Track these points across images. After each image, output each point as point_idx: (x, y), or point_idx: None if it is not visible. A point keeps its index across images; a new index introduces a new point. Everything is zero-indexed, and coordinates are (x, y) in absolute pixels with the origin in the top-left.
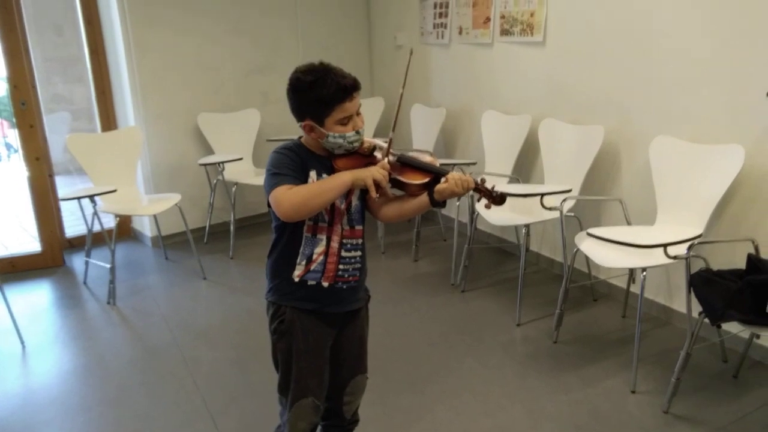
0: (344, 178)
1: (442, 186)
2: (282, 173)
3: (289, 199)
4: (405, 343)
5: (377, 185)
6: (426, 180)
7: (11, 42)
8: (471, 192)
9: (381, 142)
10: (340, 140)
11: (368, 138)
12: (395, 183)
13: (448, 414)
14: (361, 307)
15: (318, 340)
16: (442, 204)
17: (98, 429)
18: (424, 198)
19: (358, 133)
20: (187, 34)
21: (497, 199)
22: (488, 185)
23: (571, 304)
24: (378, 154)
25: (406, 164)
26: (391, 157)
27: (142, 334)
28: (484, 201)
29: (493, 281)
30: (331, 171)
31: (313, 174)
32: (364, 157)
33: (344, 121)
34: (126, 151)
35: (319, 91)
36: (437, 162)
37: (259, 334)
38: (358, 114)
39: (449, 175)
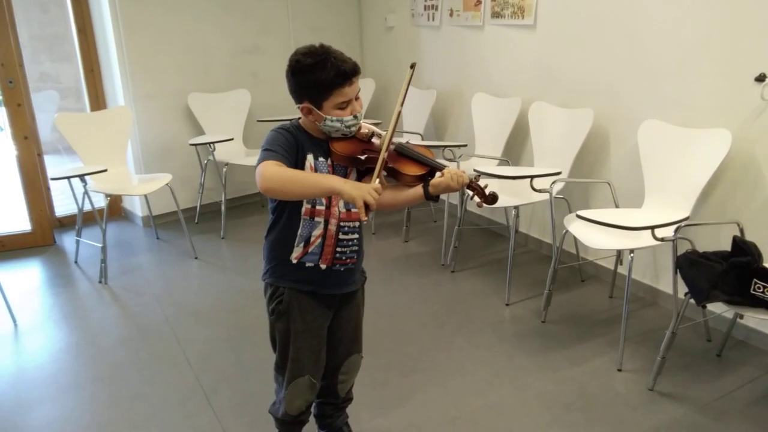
0: (334, 185)
1: (437, 180)
2: (273, 150)
3: (272, 174)
4: (395, 323)
5: (366, 207)
6: (422, 172)
7: None
8: (465, 188)
9: (379, 130)
10: (338, 124)
11: (367, 123)
12: (390, 172)
13: (438, 392)
14: (357, 288)
15: (316, 321)
16: (436, 198)
17: (91, 407)
18: (418, 190)
19: (355, 117)
20: (176, 13)
21: (489, 198)
22: (481, 183)
23: (560, 284)
24: (376, 141)
25: (402, 154)
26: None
27: (134, 313)
28: (477, 199)
29: (482, 262)
30: (328, 154)
31: (310, 157)
32: (362, 142)
33: (342, 106)
34: (116, 131)
35: (318, 75)
36: (433, 156)
37: (250, 314)
38: (356, 98)
39: (445, 170)
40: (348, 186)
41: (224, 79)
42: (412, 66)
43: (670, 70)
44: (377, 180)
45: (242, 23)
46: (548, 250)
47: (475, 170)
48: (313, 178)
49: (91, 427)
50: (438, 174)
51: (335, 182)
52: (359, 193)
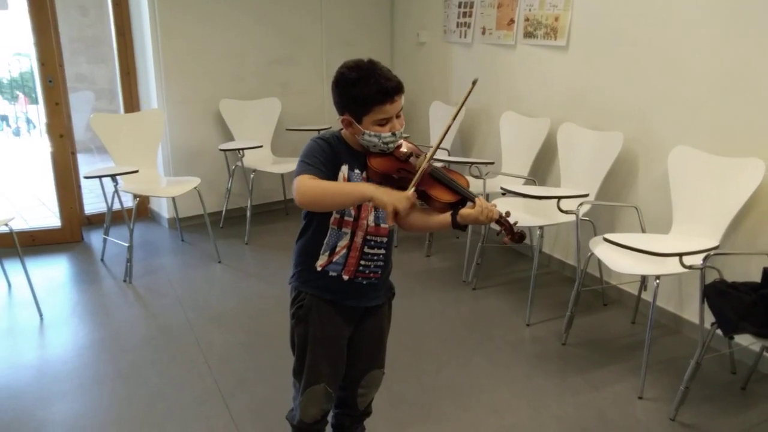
0: (366, 191)
1: (466, 211)
2: (309, 163)
3: (307, 189)
4: (414, 337)
5: (395, 214)
6: (453, 200)
7: (40, 20)
8: (493, 223)
9: (420, 150)
10: (375, 139)
11: (408, 143)
12: (421, 195)
13: (455, 410)
14: (381, 303)
15: (334, 330)
16: (463, 228)
17: (111, 403)
18: (446, 217)
19: (394, 134)
20: (212, 21)
21: (516, 236)
22: (511, 220)
23: (582, 307)
24: (413, 161)
25: (437, 180)
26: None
27: (156, 314)
28: (503, 234)
29: (504, 280)
30: (365, 167)
31: (344, 168)
32: (399, 161)
33: (382, 122)
34: (148, 133)
35: (360, 90)
36: (468, 186)
37: (271, 320)
38: (398, 116)
39: (476, 202)
40: (380, 192)
41: (256, 88)
42: (474, 82)
43: (703, 97)
44: (412, 189)
45: (276, 34)
46: (571, 272)
47: (502, 188)
48: (345, 187)
49: (111, 424)
50: (469, 204)
51: (367, 189)
52: (390, 199)
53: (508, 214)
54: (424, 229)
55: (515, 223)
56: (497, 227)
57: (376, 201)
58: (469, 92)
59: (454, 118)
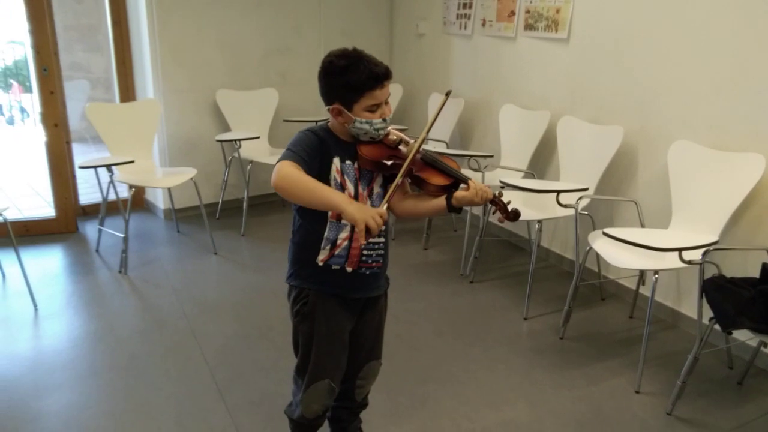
0: (338, 203)
1: (461, 193)
2: (294, 151)
3: (286, 174)
4: (412, 330)
5: (367, 232)
6: (446, 183)
7: (35, 7)
8: (488, 204)
9: (408, 139)
10: (367, 126)
11: (396, 130)
12: (415, 180)
13: (452, 403)
14: (382, 293)
15: (339, 325)
16: (458, 210)
17: (107, 395)
18: (441, 201)
19: (384, 120)
20: (209, 11)
21: (511, 215)
22: (505, 200)
23: (579, 301)
24: (403, 148)
25: (429, 164)
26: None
27: (152, 305)
28: (498, 214)
29: (502, 274)
30: (355, 157)
31: (336, 161)
32: (389, 148)
33: (372, 109)
34: (144, 123)
35: (350, 77)
36: (459, 169)
37: (266, 313)
38: (386, 103)
39: (470, 184)
40: (353, 207)
41: (253, 78)
42: (448, 93)
43: (704, 91)
44: (385, 205)
45: (274, 25)
46: (569, 266)
47: (501, 182)
48: (322, 190)
49: (106, 415)
50: (462, 187)
51: (341, 200)
52: (361, 216)
53: (501, 194)
54: (419, 214)
55: (509, 203)
56: (492, 208)
57: (346, 216)
58: (443, 104)
59: (428, 130)
